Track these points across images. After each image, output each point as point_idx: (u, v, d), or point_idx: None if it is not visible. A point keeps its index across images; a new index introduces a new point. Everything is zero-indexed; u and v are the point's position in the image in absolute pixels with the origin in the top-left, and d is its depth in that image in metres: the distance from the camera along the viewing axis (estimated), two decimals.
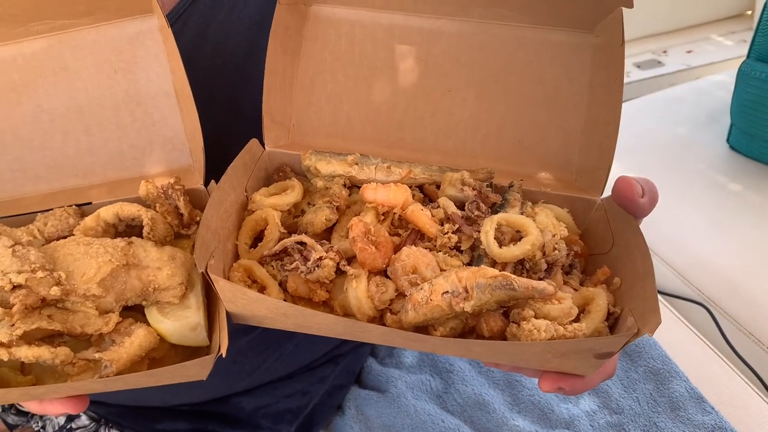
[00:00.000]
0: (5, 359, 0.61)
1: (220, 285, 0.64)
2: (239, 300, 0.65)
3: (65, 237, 0.75)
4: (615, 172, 0.74)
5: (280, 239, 0.74)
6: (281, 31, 0.83)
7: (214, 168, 0.79)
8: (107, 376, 0.64)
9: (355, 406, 1.22)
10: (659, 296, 1.56)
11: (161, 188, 0.76)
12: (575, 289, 0.72)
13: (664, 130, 2.16)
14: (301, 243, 0.72)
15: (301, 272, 0.70)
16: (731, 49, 2.97)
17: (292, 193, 0.80)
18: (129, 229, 0.78)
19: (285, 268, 0.72)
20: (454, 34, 0.85)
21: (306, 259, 0.70)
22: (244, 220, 0.77)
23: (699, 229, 1.76)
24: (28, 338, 0.64)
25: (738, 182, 1.89)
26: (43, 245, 0.73)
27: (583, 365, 0.63)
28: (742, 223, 1.75)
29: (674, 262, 1.73)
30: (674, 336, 1.39)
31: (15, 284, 0.62)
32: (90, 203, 0.82)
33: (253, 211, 0.78)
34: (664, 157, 2.04)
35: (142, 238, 0.74)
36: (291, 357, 1.16)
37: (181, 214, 0.77)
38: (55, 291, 0.64)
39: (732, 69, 2.13)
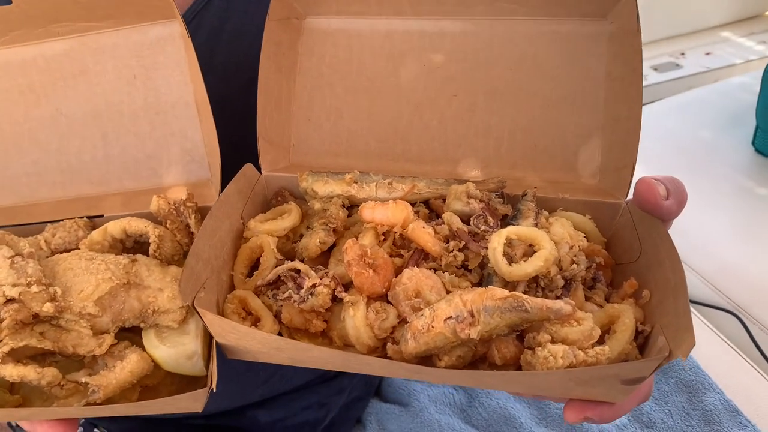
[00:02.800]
0: None
1: (209, 319, 0.58)
2: (229, 334, 0.59)
3: (72, 249, 0.72)
4: (638, 176, 0.68)
5: (276, 266, 0.68)
6: (273, 49, 0.78)
7: (229, 175, 0.76)
8: (94, 402, 0.61)
9: (376, 420, 1.18)
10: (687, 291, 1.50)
11: (173, 204, 0.73)
12: (600, 306, 0.64)
13: (687, 134, 2.07)
14: (296, 270, 0.65)
15: (295, 301, 0.63)
16: (751, 51, 2.88)
17: (289, 218, 0.75)
18: (137, 245, 0.74)
19: (278, 297, 0.65)
20: (457, 35, 0.79)
21: (299, 287, 0.64)
22: (240, 249, 0.72)
23: (726, 234, 1.69)
24: (17, 355, 0.60)
25: (765, 186, 1.81)
26: (47, 257, 0.70)
27: (611, 392, 0.56)
28: None
29: (702, 269, 1.66)
30: (705, 346, 1.32)
31: (8, 298, 0.59)
32: (102, 215, 0.78)
33: (249, 239, 0.72)
34: (688, 160, 1.96)
35: (149, 255, 0.71)
36: None
37: (192, 233, 0.73)
38: (48, 307, 0.60)
39: (752, 71, 2.06)
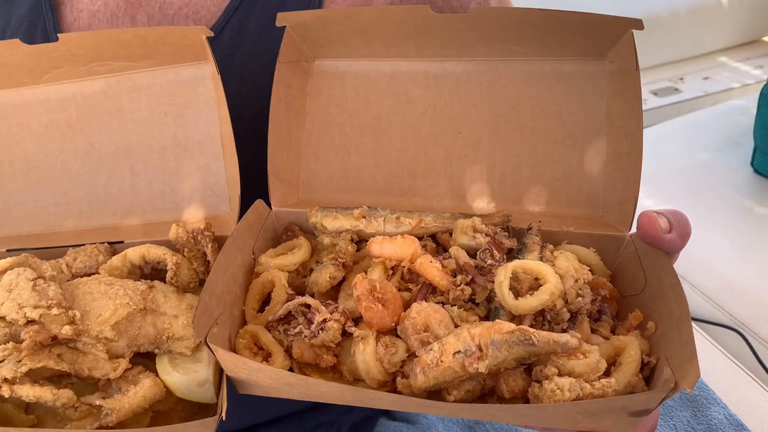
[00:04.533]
0: (6, 395, 0.57)
1: (221, 355, 0.57)
2: (241, 370, 0.58)
3: (92, 274, 0.72)
4: (639, 200, 0.67)
5: (287, 301, 0.67)
6: (283, 90, 0.78)
7: (241, 201, 0.76)
8: (107, 426, 0.60)
9: None
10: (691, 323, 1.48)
11: (191, 233, 0.72)
12: (606, 338, 0.62)
13: (686, 156, 2.06)
14: (306, 305, 0.64)
15: (305, 336, 0.62)
16: (748, 75, 2.85)
17: (299, 252, 0.73)
18: (155, 272, 0.74)
19: (289, 333, 0.64)
20: (460, 75, 0.79)
21: (310, 322, 0.62)
22: (251, 284, 0.71)
23: (727, 253, 1.67)
24: (34, 376, 0.60)
25: (764, 205, 1.79)
26: (68, 280, 0.70)
27: (618, 424, 0.54)
28: None
29: (704, 287, 1.63)
30: (709, 362, 1.29)
31: (29, 319, 0.59)
32: (122, 242, 0.78)
33: (260, 274, 0.71)
34: (688, 182, 1.94)
35: (166, 282, 0.70)
36: None
37: (208, 261, 0.72)
38: (66, 330, 0.60)
39: (750, 94, 2.05)
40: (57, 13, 0.88)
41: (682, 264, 0.61)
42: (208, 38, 0.74)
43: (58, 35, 0.73)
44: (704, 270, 1.66)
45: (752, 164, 1.92)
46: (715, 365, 1.29)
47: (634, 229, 0.69)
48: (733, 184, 1.90)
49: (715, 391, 1.15)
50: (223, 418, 0.58)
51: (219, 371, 0.65)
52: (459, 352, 0.55)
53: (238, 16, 0.87)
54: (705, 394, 1.14)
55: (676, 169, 2.00)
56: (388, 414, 1.22)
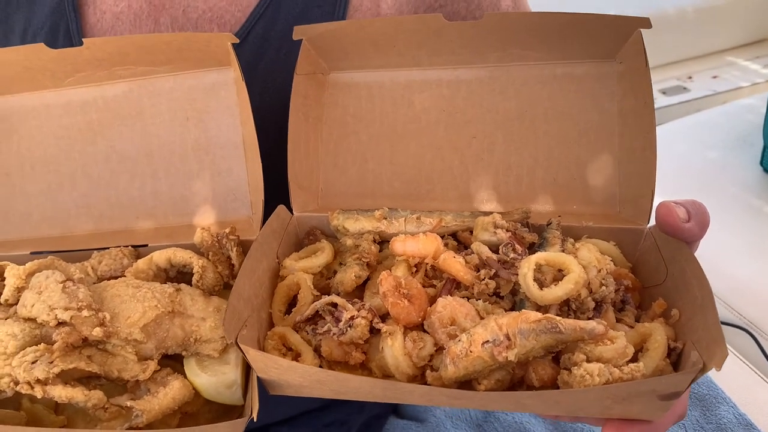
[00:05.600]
0: (39, 396, 0.58)
1: (251, 355, 0.58)
2: (271, 369, 0.59)
3: (117, 277, 0.72)
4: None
5: (313, 302, 0.67)
6: (300, 100, 0.80)
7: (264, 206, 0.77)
8: (137, 427, 0.60)
9: None
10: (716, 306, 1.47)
11: (216, 236, 0.73)
12: (631, 327, 0.63)
13: (695, 155, 2.05)
14: (333, 304, 0.65)
15: (334, 334, 0.62)
16: (757, 74, 2.84)
17: (322, 255, 0.74)
18: (180, 275, 0.74)
19: (317, 332, 0.65)
20: (473, 81, 0.80)
21: (337, 320, 0.63)
22: (277, 287, 0.72)
23: (737, 252, 1.66)
24: (65, 377, 0.60)
25: None
26: (94, 283, 0.70)
27: (649, 409, 0.54)
28: None
29: (714, 286, 1.59)
30: None
31: (60, 321, 0.59)
32: (146, 245, 0.78)
33: (285, 277, 0.72)
34: (697, 181, 1.93)
35: (192, 285, 0.71)
36: None
37: (233, 265, 0.73)
38: (97, 332, 0.60)
39: (758, 93, 2.04)
40: (80, 14, 0.88)
41: None
42: (233, 44, 0.74)
43: (83, 40, 0.74)
44: (713, 269, 1.64)
45: (761, 163, 1.91)
46: (725, 365, 1.28)
47: (651, 223, 0.69)
48: (742, 183, 1.89)
49: (724, 390, 1.14)
50: (254, 420, 0.58)
51: (246, 373, 0.66)
52: (488, 341, 0.55)
53: (263, 22, 0.87)
54: (714, 393, 1.13)
55: (685, 168, 1.99)
56: (398, 412, 1.22)
